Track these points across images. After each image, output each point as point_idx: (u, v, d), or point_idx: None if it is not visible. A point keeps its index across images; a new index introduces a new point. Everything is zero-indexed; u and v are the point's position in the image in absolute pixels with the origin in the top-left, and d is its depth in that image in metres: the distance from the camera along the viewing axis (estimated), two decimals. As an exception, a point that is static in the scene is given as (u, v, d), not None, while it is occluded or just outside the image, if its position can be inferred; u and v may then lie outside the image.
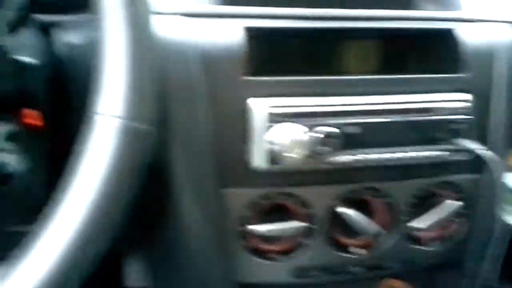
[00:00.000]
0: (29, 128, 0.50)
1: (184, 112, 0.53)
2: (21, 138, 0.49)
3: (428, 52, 0.61)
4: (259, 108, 0.53)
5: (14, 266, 0.32)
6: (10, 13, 0.46)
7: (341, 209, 0.60)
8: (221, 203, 0.57)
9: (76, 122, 0.54)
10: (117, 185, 0.33)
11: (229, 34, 0.54)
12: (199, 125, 0.54)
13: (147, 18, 0.36)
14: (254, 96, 0.54)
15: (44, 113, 0.51)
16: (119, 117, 0.33)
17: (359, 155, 0.56)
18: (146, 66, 0.34)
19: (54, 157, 0.53)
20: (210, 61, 0.53)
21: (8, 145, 0.49)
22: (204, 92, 0.53)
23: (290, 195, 0.59)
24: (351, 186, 0.60)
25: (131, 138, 0.33)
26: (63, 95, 0.54)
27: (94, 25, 0.55)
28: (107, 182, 0.32)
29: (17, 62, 0.47)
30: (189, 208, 0.57)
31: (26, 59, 0.48)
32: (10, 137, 0.49)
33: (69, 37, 0.55)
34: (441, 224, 0.65)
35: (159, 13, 0.52)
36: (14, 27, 0.46)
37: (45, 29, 0.54)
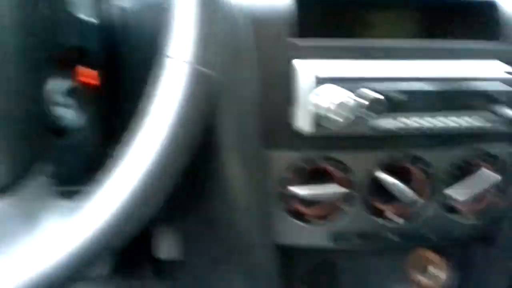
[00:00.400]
0: (86, 86, 0.52)
1: (232, 71, 0.55)
2: (80, 95, 0.52)
3: (469, 23, 0.62)
4: (305, 70, 0.55)
5: (85, 201, 0.33)
6: None
7: (380, 175, 0.61)
8: (264, 164, 0.58)
9: (128, 86, 0.57)
10: (185, 129, 0.34)
11: None
12: (246, 85, 0.55)
13: None
14: (300, 58, 0.55)
15: (100, 72, 0.53)
16: (189, 62, 0.34)
17: (401, 122, 0.57)
18: (215, 14, 0.36)
19: (109, 117, 0.56)
20: (259, 22, 0.54)
21: (67, 100, 0.52)
22: (251, 53, 0.54)
23: (331, 159, 0.60)
24: (391, 153, 0.61)
25: (199, 82, 0.35)
26: (116, 57, 0.56)
27: None
28: (176, 125, 0.34)
29: (78, 19, 0.49)
30: (234, 169, 0.59)
31: (86, 17, 0.50)
32: (69, 93, 0.51)
33: (123, 1, 0.57)
34: (479, 197, 0.65)
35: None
36: None
37: None
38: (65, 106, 0.52)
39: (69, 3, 0.49)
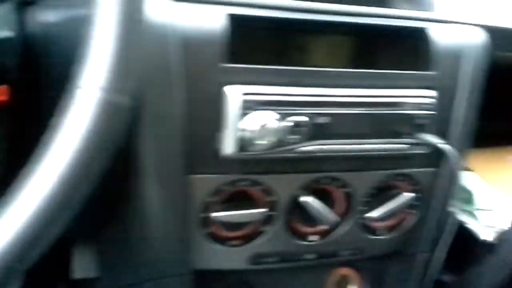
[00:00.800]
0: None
1: (158, 93, 0.52)
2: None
3: (399, 50, 0.63)
4: (234, 95, 0.53)
5: None
6: None
7: (301, 198, 0.60)
8: (186, 189, 0.56)
9: (45, 100, 0.51)
10: (91, 159, 0.32)
11: (211, 19, 0.53)
12: (172, 108, 0.52)
13: None
14: (230, 83, 0.53)
15: (11, 88, 0.48)
16: (101, 88, 0.31)
17: (324, 145, 0.57)
18: (132, 41, 0.33)
19: (19, 135, 0.50)
20: (190, 46, 0.52)
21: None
22: (180, 76, 0.52)
23: (255, 182, 0.58)
24: (313, 176, 0.61)
25: (110, 110, 0.32)
26: (33, 72, 0.51)
27: (73, 3, 0.52)
28: (81, 154, 0.31)
29: None
30: (152, 191, 0.55)
31: (3, 32, 0.45)
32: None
33: (45, 15, 0.52)
34: (394, 215, 0.67)
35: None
36: None
37: (21, 6, 0.50)
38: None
39: None
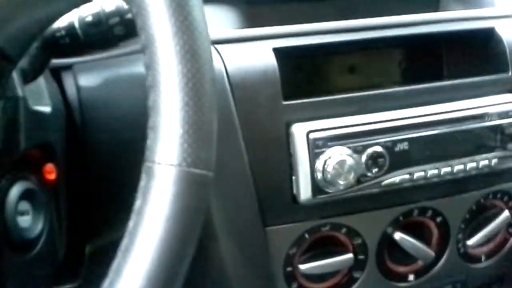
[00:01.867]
0: (46, 184, 0.45)
1: (224, 147, 0.48)
2: (38, 197, 0.44)
3: (467, 55, 0.57)
4: (301, 134, 0.49)
5: None
6: (25, 66, 0.41)
7: (393, 235, 0.55)
8: (264, 243, 0.52)
9: (94, 171, 0.49)
10: (182, 237, 0.29)
11: (258, 57, 0.50)
12: (238, 159, 0.49)
13: (207, 45, 0.30)
14: (295, 121, 0.49)
15: (58, 165, 0.46)
16: (179, 165, 0.28)
17: (407, 174, 0.52)
18: (206, 104, 0.29)
19: (72, 211, 0.48)
20: (241, 89, 0.48)
21: (22, 206, 0.43)
22: (242, 123, 0.48)
23: (338, 225, 0.54)
24: (401, 209, 0.55)
25: (194, 184, 0.29)
26: (79, 145, 0.49)
27: (107, 64, 0.50)
28: (172, 234, 0.28)
29: (36, 113, 0.42)
30: (229, 250, 0.52)
31: (43, 108, 0.43)
32: (27, 198, 0.43)
33: (83, 79, 0.50)
34: (495, 237, 0.61)
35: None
36: (31, 78, 0.42)
37: (57, 73, 0.49)
38: (21, 213, 0.43)
39: (25, 98, 0.41)
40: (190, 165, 0.28)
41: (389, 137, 0.51)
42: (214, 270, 0.53)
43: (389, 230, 0.55)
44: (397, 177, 0.51)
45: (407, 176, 0.52)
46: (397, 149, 0.51)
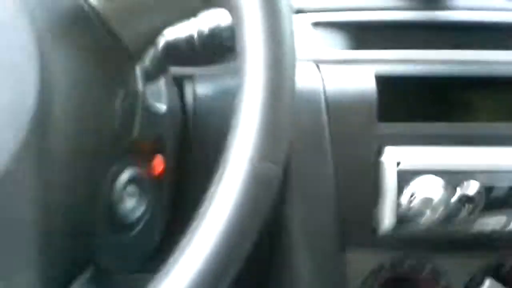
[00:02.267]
0: (154, 174, 0.50)
1: (310, 161, 0.50)
2: (145, 184, 0.49)
3: None
4: (392, 160, 0.48)
5: None
6: (148, 65, 0.47)
7: (483, 282, 0.52)
8: (341, 267, 0.52)
9: (197, 171, 0.54)
10: (243, 232, 0.32)
11: (359, 81, 0.50)
12: (322, 177, 0.50)
13: (293, 59, 0.34)
14: (387, 144, 0.49)
15: (167, 160, 0.51)
16: (250, 159, 0.31)
17: (503, 219, 0.49)
18: (284, 109, 0.33)
19: (173, 204, 0.53)
20: (337, 109, 0.49)
21: (132, 191, 0.49)
22: (329, 143, 0.49)
23: (421, 264, 0.52)
24: (496, 255, 0.52)
25: (260, 181, 0.32)
26: (187, 143, 0.54)
27: (225, 77, 0.56)
28: (234, 227, 0.31)
29: (152, 109, 0.48)
30: (304, 266, 0.52)
31: (159, 106, 0.49)
32: (135, 183, 0.48)
33: (202, 88, 0.55)
34: None
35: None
36: (152, 77, 0.48)
37: (179, 80, 0.54)
38: (131, 197, 0.49)
39: (143, 94, 0.47)
40: (260, 160, 0.31)
41: (489, 176, 0.48)
42: (287, 278, 0.54)
43: (478, 276, 0.52)
44: (492, 220, 0.49)
45: (504, 220, 0.49)
46: (495, 190, 0.49)
